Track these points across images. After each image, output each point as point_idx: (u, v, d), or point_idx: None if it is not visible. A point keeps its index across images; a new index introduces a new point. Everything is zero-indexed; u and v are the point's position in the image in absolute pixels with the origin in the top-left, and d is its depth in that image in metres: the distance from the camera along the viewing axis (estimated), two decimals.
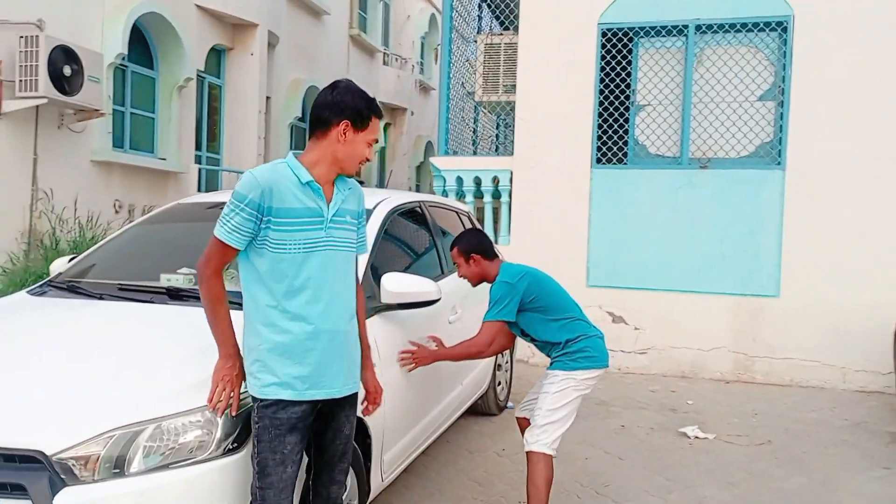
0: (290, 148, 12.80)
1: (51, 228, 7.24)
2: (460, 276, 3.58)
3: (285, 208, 2.22)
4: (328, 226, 2.32)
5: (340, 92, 2.29)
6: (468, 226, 5.20)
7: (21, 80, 6.58)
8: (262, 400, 2.25)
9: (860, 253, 6.34)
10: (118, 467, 2.14)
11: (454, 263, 3.61)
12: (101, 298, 3.11)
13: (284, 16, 11.92)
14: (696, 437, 4.99)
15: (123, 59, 8.32)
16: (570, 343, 3.38)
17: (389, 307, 3.30)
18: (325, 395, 2.36)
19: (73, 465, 2.12)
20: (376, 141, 2.39)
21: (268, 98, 11.40)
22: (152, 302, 3.04)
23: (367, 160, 2.39)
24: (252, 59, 10.79)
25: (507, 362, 5.55)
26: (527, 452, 3.31)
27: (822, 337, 6.46)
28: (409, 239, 4.21)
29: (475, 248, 3.53)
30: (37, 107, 6.84)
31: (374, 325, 3.22)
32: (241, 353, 2.33)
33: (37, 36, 6.59)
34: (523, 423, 3.57)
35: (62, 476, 2.10)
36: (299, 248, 2.26)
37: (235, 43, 10.75)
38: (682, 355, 6.80)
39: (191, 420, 2.25)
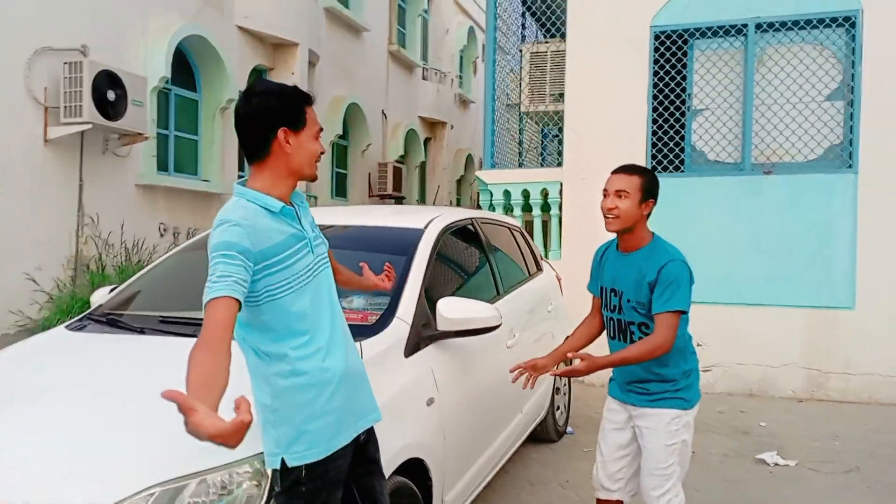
0: (333, 166, 12.73)
1: (97, 254, 7.20)
2: (608, 209, 2.69)
3: (273, 246, 1.92)
4: (313, 245, 2.06)
5: (260, 99, 1.96)
6: (521, 242, 4.94)
7: (66, 107, 6.56)
8: (308, 464, 1.96)
9: None
10: None
11: (617, 192, 2.66)
12: (141, 332, 2.93)
13: (324, 34, 11.88)
14: (777, 465, 4.62)
15: (167, 82, 8.31)
16: (692, 373, 2.80)
17: (446, 335, 3.06)
18: (370, 422, 2.16)
19: None
20: (321, 129, 2.07)
21: None
22: (195, 336, 2.84)
23: (322, 153, 2.07)
24: (293, 78, 10.70)
25: (565, 384, 5.25)
26: None
27: None
28: (462, 259, 3.97)
29: (657, 194, 2.73)
30: (82, 132, 6.81)
31: (429, 354, 3.00)
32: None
33: (80, 62, 6.57)
34: None
35: None
36: (302, 281, 1.99)
37: (276, 63, 10.72)
38: (750, 372, 6.41)
39: (239, 472, 2.02)
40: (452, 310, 3.03)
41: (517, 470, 4.48)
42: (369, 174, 13.52)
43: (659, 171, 6.71)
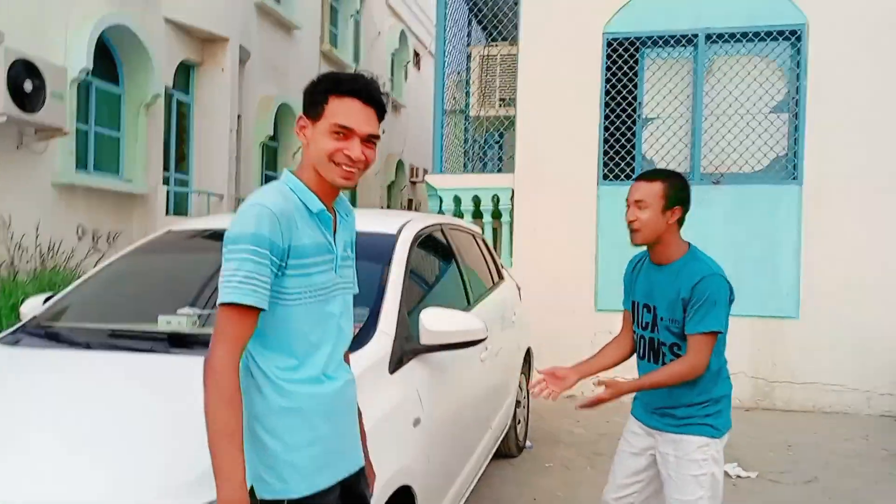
0: (263, 169, 12.27)
1: (8, 258, 6.60)
2: (629, 221, 2.51)
3: (301, 246, 1.69)
4: (339, 265, 1.81)
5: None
6: (484, 250, 4.76)
7: None
8: (292, 500, 1.70)
9: (883, 271, 6.07)
10: None
11: (636, 203, 2.48)
12: (88, 348, 2.57)
13: (255, 30, 11.44)
14: (739, 477, 4.59)
15: (88, 74, 7.74)
16: (722, 399, 2.57)
17: (430, 349, 2.83)
18: (354, 467, 1.88)
19: None
20: (344, 128, 1.68)
21: (238, 116, 10.87)
22: (152, 351, 2.52)
23: (350, 158, 1.69)
24: (223, 74, 10.27)
25: (524, 397, 5.09)
26: None
27: (846, 360, 6.15)
28: (432, 267, 3.75)
29: (685, 199, 2.51)
30: None
31: (413, 370, 2.76)
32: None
33: None
34: None
35: None
36: (315, 297, 1.73)
37: (205, 58, 10.23)
38: None
39: None
40: (437, 322, 2.80)
41: (481, 489, 4.27)
42: None
43: (611, 180, 6.68)
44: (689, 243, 2.58)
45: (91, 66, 7.63)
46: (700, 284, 2.42)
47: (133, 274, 3.24)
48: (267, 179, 12.48)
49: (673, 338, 2.51)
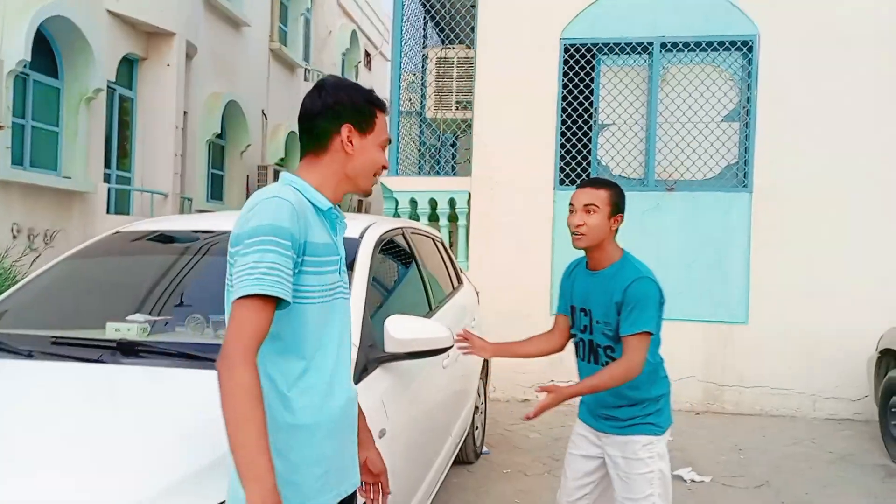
0: (209, 167, 11.96)
1: None
2: (576, 226, 2.55)
3: (315, 243, 1.64)
4: (341, 266, 1.77)
5: (330, 91, 1.75)
6: (444, 254, 4.70)
7: None
8: None
9: (828, 277, 6.23)
10: None
11: (585, 207, 2.54)
12: (29, 357, 2.41)
13: (203, 26, 11.14)
14: (693, 481, 4.63)
15: (25, 66, 7.41)
16: (662, 398, 2.65)
17: (395, 357, 2.74)
18: (352, 486, 1.80)
19: None
20: (389, 141, 1.84)
21: (184, 113, 10.56)
22: (101, 361, 2.37)
23: (385, 168, 1.84)
24: (169, 70, 9.97)
25: (482, 403, 5.04)
26: None
27: (792, 364, 6.29)
28: (395, 272, 3.67)
29: (624, 208, 2.63)
30: None
31: (378, 379, 2.67)
32: None
33: None
34: None
35: None
36: (323, 296, 1.68)
37: (150, 52, 9.92)
38: None
39: None
40: (402, 329, 2.72)
41: (439, 496, 4.19)
42: (247, 177, 12.82)
43: (567, 185, 6.69)
44: (623, 250, 2.65)
45: (29, 59, 7.32)
46: (631, 287, 2.49)
47: (79, 278, 3.06)
48: (213, 178, 12.18)
49: (607, 340, 2.58)
